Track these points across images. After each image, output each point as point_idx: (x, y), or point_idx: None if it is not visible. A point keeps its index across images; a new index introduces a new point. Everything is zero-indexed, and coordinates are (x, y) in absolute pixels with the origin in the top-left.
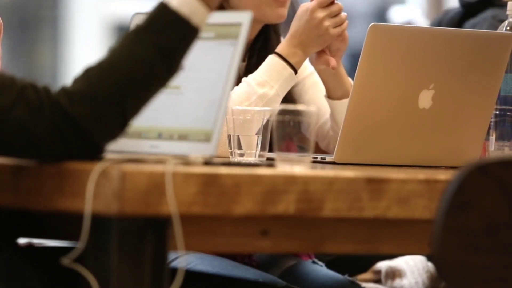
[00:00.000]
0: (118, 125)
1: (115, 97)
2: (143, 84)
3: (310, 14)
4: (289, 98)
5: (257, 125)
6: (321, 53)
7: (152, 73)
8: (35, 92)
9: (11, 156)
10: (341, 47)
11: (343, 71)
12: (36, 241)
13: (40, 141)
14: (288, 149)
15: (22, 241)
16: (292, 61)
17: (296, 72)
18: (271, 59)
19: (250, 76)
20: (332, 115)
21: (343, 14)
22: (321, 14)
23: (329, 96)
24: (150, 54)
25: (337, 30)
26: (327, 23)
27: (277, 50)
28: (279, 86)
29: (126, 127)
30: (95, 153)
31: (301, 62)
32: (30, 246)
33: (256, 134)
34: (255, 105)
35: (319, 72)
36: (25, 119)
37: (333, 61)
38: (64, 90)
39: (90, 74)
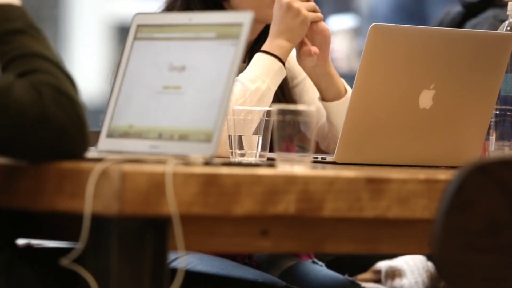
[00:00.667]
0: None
1: (61, 64)
2: (49, 47)
3: (278, 2)
4: (289, 98)
5: (258, 125)
6: (301, 45)
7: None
8: (28, 79)
9: (17, 143)
10: (323, 41)
11: (333, 71)
12: (35, 241)
13: (46, 115)
14: (287, 150)
15: (21, 241)
16: (278, 53)
17: (284, 64)
18: (258, 56)
19: (241, 75)
20: (328, 117)
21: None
22: None
23: (322, 98)
24: (30, 31)
25: (312, 14)
26: (296, 4)
27: (262, 48)
28: (270, 80)
29: None
30: (84, 114)
31: (287, 52)
32: (29, 246)
33: (257, 134)
34: (249, 101)
35: (309, 74)
36: (26, 98)
37: (314, 48)
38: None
39: (28, 78)
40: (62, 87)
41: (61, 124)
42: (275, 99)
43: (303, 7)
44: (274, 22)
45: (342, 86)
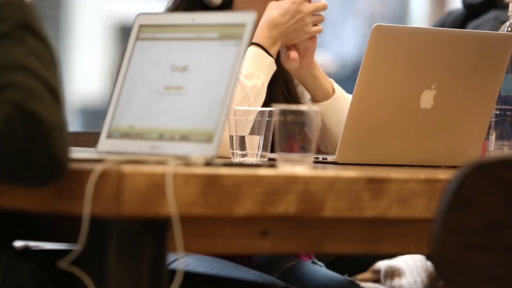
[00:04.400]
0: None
1: (43, 75)
2: (35, 52)
3: (297, 6)
4: (295, 96)
5: (259, 125)
6: (286, 47)
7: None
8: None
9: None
10: (310, 47)
11: (319, 73)
12: (32, 243)
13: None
14: (292, 149)
15: (18, 244)
16: (271, 52)
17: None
18: (252, 51)
19: None
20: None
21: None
22: (307, 8)
23: (312, 99)
24: (16, 33)
25: (314, 28)
26: (308, 19)
27: (257, 40)
28: (264, 76)
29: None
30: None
31: (277, 49)
32: (27, 248)
33: (258, 134)
34: (247, 99)
35: (294, 75)
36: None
37: (293, 54)
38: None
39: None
40: (30, 106)
41: (10, 151)
42: (281, 97)
43: (311, 24)
44: (278, 20)
45: (330, 87)
